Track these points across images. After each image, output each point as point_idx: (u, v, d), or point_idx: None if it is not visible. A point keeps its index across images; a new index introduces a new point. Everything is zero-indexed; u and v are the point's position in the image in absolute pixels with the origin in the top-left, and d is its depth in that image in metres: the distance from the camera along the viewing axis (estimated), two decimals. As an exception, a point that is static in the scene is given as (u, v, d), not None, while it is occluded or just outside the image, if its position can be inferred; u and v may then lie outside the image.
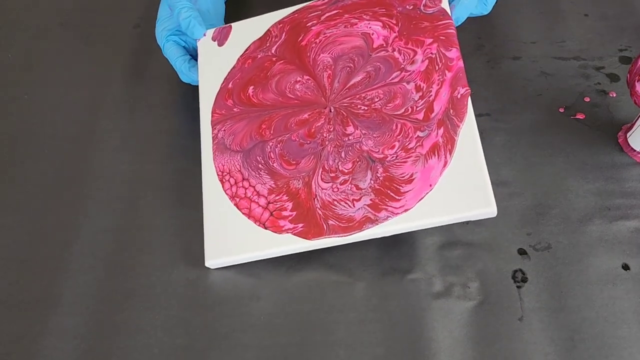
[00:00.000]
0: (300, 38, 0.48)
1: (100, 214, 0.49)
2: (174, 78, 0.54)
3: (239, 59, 0.49)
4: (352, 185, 0.43)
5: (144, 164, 0.51)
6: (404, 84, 0.45)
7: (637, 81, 0.45)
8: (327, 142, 0.45)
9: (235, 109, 0.48)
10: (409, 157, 0.42)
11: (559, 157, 0.50)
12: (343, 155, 0.44)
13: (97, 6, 0.63)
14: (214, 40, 0.51)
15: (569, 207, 0.47)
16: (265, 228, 0.44)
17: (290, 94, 0.47)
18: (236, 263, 0.45)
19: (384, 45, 0.46)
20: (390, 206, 0.42)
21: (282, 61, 0.48)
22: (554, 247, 0.45)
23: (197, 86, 0.53)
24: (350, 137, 0.44)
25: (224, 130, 0.47)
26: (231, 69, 0.49)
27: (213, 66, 0.50)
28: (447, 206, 0.40)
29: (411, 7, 0.47)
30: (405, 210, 0.41)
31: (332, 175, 0.44)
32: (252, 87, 0.48)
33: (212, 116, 0.48)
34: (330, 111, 0.45)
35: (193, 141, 0.51)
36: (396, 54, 0.46)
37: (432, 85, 0.44)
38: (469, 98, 0.43)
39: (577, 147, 0.50)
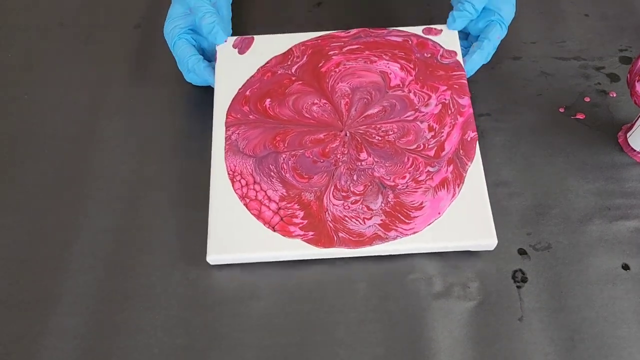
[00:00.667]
0: (321, 64, 0.50)
1: (100, 214, 0.49)
2: (174, 78, 0.54)
3: (259, 69, 0.51)
4: (364, 206, 0.44)
5: (144, 164, 0.51)
6: (418, 122, 0.47)
7: (637, 81, 0.45)
8: (340, 163, 0.46)
9: (251, 116, 0.49)
10: (419, 188, 0.45)
11: (559, 157, 0.50)
12: (355, 178, 0.45)
13: (97, 6, 0.63)
14: (235, 48, 0.52)
15: (569, 207, 0.47)
16: (275, 231, 0.44)
17: (306, 113, 0.48)
18: (238, 262, 0.45)
19: (401, 85, 0.49)
20: (400, 227, 0.44)
21: (300, 82, 0.50)
22: (554, 247, 0.46)
23: (200, 87, 0.53)
24: (363, 163, 0.46)
25: (238, 133, 0.48)
26: (250, 78, 0.50)
27: (231, 71, 0.51)
28: (453, 234, 0.43)
29: (429, 55, 0.50)
30: (414, 233, 0.43)
31: (344, 194, 0.45)
32: (269, 100, 0.49)
33: (226, 117, 0.49)
34: (346, 135, 0.47)
35: (193, 141, 0.52)
36: (412, 95, 0.49)
37: (444, 127, 0.47)
38: (477, 141, 0.47)
39: (577, 147, 0.50)
